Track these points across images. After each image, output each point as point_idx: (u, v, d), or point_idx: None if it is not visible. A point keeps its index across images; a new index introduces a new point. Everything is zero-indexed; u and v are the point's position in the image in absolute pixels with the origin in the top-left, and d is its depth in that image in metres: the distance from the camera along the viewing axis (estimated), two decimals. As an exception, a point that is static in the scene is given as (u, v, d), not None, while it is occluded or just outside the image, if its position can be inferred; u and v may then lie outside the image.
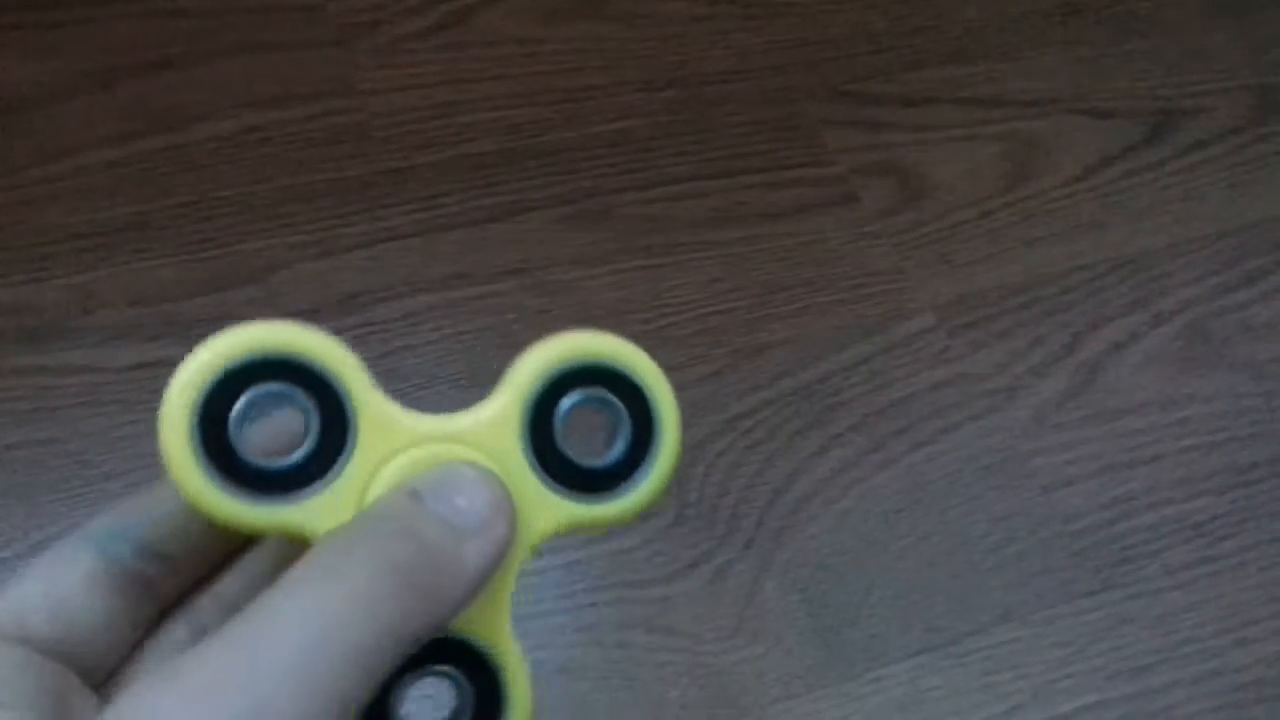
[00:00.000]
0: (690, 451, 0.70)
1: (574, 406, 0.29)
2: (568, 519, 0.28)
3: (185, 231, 0.73)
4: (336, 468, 0.27)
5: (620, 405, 0.29)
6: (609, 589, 0.65)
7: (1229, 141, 0.89)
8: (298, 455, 0.26)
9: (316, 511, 0.26)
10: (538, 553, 0.28)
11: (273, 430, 0.27)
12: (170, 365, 0.75)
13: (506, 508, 0.27)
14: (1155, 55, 0.92)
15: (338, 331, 0.77)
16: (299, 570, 0.24)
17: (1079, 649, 0.66)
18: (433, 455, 0.27)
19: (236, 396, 0.26)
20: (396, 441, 0.27)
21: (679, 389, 0.77)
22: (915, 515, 0.70)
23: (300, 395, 0.26)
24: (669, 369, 0.77)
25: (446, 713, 0.28)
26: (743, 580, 0.66)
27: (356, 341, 0.76)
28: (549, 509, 0.28)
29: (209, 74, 0.79)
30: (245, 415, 0.26)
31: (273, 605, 0.23)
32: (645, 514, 0.29)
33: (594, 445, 0.29)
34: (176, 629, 0.29)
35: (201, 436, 0.25)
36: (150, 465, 0.66)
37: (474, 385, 0.70)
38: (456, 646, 0.27)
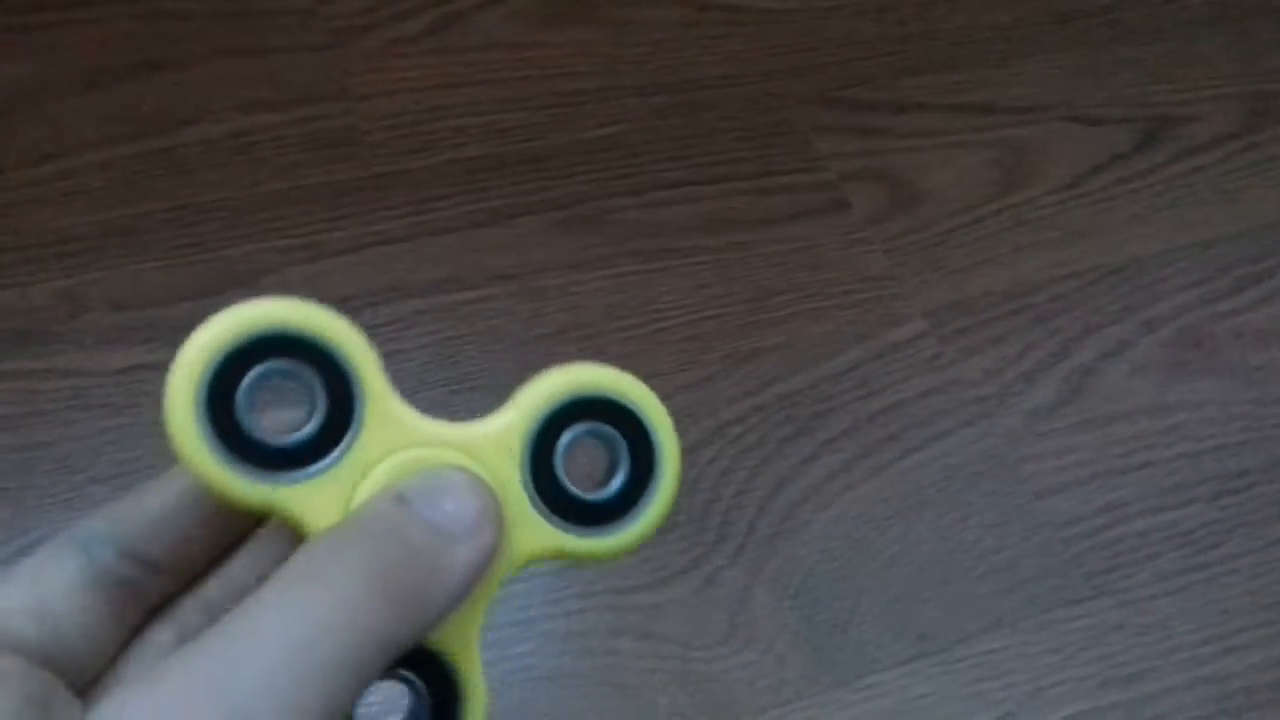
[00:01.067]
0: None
1: (576, 438, 0.29)
2: (556, 546, 0.28)
3: (174, 235, 0.73)
4: (339, 451, 0.27)
5: (622, 441, 0.29)
6: (598, 595, 0.64)
7: (1220, 149, 0.89)
8: (302, 434, 0.26)
9: (313, 494, 0.26)
10: (518, 572, 0.28)
11: (280, 410, 0.27)
12: (159, 369, 0.75)
13: (494, 515, 0.27)
14: (1146, 63, 0.92)
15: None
16: (284, 574, 0.24)
17: (1069, 656, 0.66)
18: (421, 459, 0.27)
19: (246, 370, 0.26)
20: (398, 438, 0.27)
21: (669, 394, 0.77)
22: (906, 522, 0.69)
23: (309, 374, 0.26)
24: (659, 374, 0.78)
25: (401, 716, 0.28)
26: (733, 587, 0.66)
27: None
28: (538, 533, 0.28)
29: (199, 77, 0.79)
30: (253, 390, 0.26)
31: (257, 609, 0.23)
32: (635, 552, 0.29)
33: (594, 478, 0.29)
34: (161, 633, 0.29)
35: (208, 406, 0.25)
36: (139, 469, 0.66)
37: (464, 390, 0.69)
38: (418, 653, 0.27)
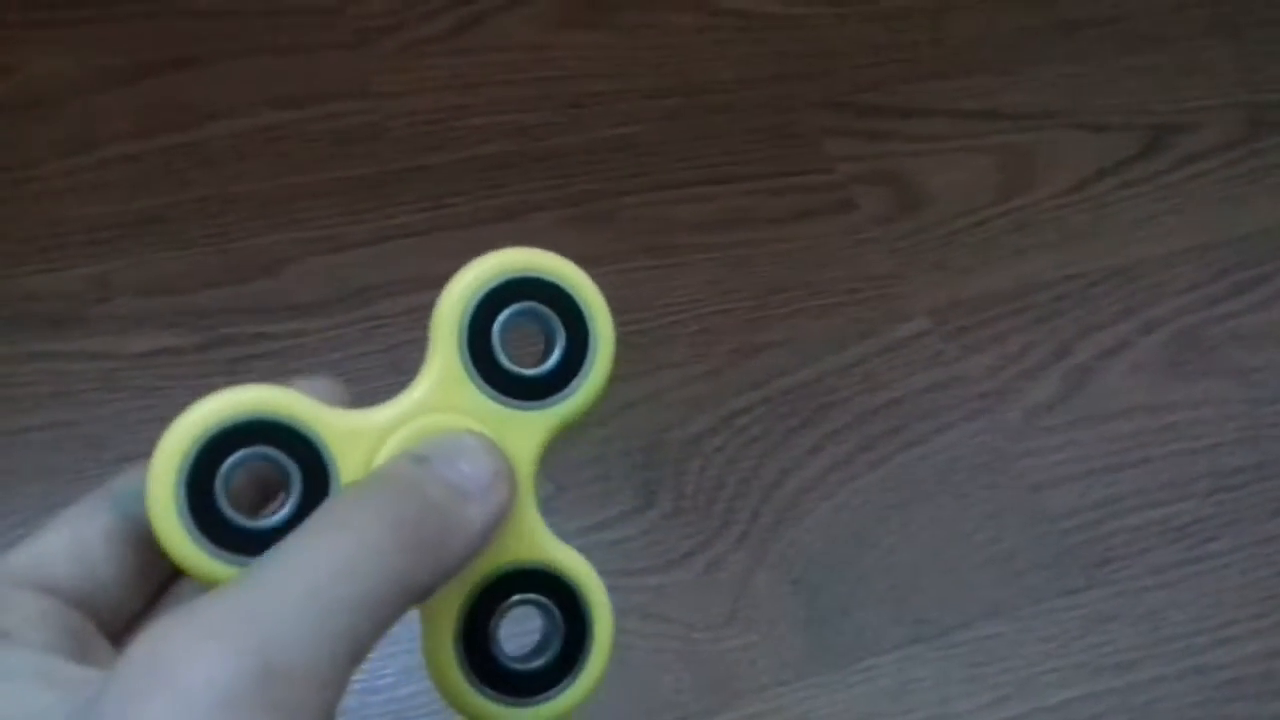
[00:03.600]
0: (687, 446, 0.71)
1: (511, 319, 0.30)
2: (545, 432, 0.30)
3: (201, 225, 0.75)
4: None
5: (555, 317, 0.30)
6: (605, 576, 0.65)
7: (1221, 156, 0.90)
8: (282, 514, 0.27)
9: None
10: (542, 479, 0.30)
11: (258, 488, 0.29)
12: (183, 353, 0.77)
13: (507, 474, 0.28)
14: (1151, 71, 0.94)
15: (345, 325, 0.79)
16: (310, 524, 0.26)
17: (1064, 644, 0.68)
18: (437, 425, 0.29)
19: (221, 459, 0.27)
20: (370, 446, 0.28)
21: (679, 386, 0.79)
22: (907, 512, 0.71)
23: (279, 454, 0.27)
24: (669, 366, 0.79)
25: (539, 637, 0.30)
26: (736, 571, 0.68)
27: (363, 335, 0.78)
28: (528, 427, 0.30)
29: (228, 73, 0.81)
30: (229, 477, 0.27)
31: (285, 553, 0.24)
32: (582, 419, 0.30)
33: (531, 356, 0.30)
34: (189, 587, 0.30)
35: (188, 499, 0.26)
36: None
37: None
38: (536, 576, 0.30)
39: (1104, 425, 0.76)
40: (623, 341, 0.77)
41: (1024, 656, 0.67)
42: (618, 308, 0.80)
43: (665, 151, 0.83)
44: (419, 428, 0.29)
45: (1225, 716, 0.66)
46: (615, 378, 0.76)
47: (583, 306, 0.30)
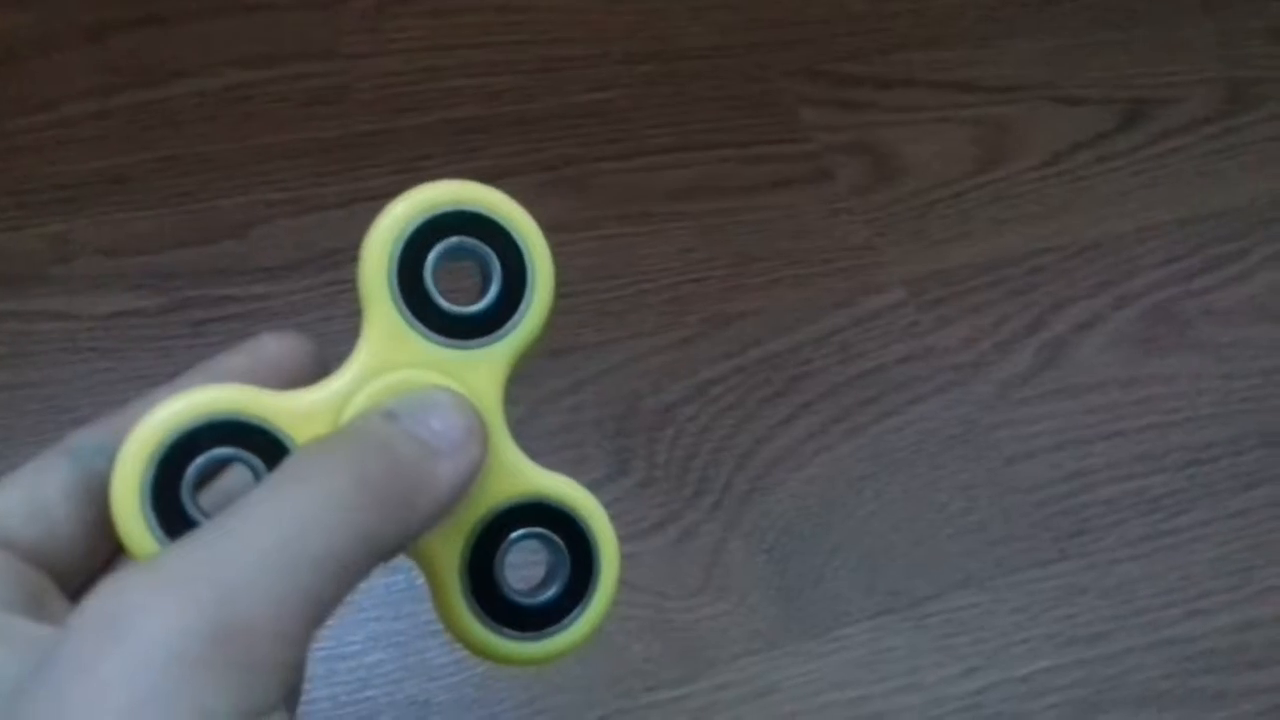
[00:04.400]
0: (660, 415, 0.71)
1: (437, 265, 0.28)
2: (504, 366, 0.29)
3: (165, 185, 0.74)
4: None
5: (491, 253, 0.29)
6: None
7: (1199, 132, 0.90)
8: None
9: None
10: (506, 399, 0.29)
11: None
12: (146, 315, 0.76)
13: (479, 432, 0.28)
14: (1129, 46, 0.94)
15: (312, 288, 0.78)
16: (275, 477, 0.25)
17: (1035, 615, 0.68)
18: (406, 380, 0.28)
19: (182, 465, 0.26)
20: (330, 420, 0.27)
21: (652, 354, 0.78)
22: (880, 482, 0.71)
23: (239, 452, 0.27)
24: (641, 334, 0.78)
25: (545, 569, 0.30)
26: (709, 540, 0.67)
27: (329, 299, 0.77)
28: (486, 366, 0.29)
29: (195, 31, 0.80)
30: (193, 483, 0.26)
31: (248, 508, 0.24)
32: (548, 332, 0.29)
33: (464, 293, 0.29)
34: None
35: (155, 511, 0.26)
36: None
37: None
38: (532, 509, 0.29)
39: (1077, 398, 0.76)
40: (596, 309, 0.77)
41: (995, 627, 0.67)
42: (591, 274, 0.80)
43: (640, 118, 0.82)
44: (385, 386, 0.28)
45: (1196, 688, 0.66)
46: (588, 345, 0.76)
47: (508, 227, 0.29)
